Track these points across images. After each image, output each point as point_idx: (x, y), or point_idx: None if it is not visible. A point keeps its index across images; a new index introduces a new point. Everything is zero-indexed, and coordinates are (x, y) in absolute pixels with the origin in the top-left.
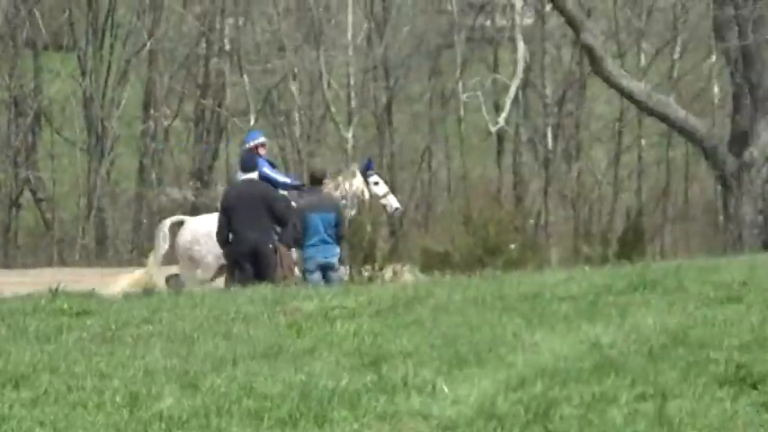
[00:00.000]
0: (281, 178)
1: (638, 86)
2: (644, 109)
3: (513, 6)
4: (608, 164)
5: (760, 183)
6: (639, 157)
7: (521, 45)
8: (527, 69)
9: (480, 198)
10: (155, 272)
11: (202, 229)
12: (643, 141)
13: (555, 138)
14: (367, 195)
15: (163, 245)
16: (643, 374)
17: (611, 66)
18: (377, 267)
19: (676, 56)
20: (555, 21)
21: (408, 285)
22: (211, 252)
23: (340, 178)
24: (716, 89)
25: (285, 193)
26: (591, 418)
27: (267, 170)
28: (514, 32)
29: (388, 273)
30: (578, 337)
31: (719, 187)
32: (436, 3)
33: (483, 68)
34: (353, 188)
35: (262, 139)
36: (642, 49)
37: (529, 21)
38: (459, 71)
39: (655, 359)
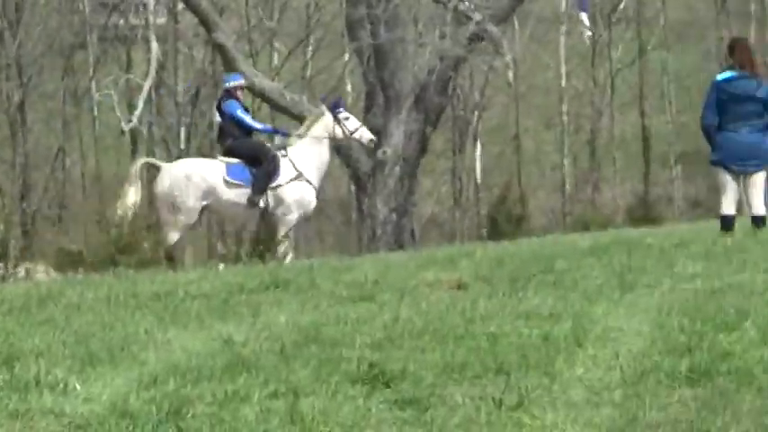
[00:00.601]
0: (256, 124)
1: (270, 85)
2: (277, 107)
3: (145, 5)
4: None
5: (393, 181)
6: None
7: (153, 44)
8: (160, 68)
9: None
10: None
11: (180, 174)
12: None
13: (189, 137)
14: (339, 134)
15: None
16: (275, 372)
17: (244, 65)
18: (10, 266)
19: (309, 55)
20: (188, 20)
21: (41, 284)
22: (191, 195)
23: (308, 122)
24: (349, 87)
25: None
26: (223, 416)
27: (240, 113)
28: (147, 32)
29: (21, 271)
30: (211, 335)
31: (353, 185)
32: (69, 2)
33: (116, 68)
34: (329, 128)
35: (242, 81)
36: (275, 48)
37: (162, 20)
38: (92, 70)
39: (287, 357)
